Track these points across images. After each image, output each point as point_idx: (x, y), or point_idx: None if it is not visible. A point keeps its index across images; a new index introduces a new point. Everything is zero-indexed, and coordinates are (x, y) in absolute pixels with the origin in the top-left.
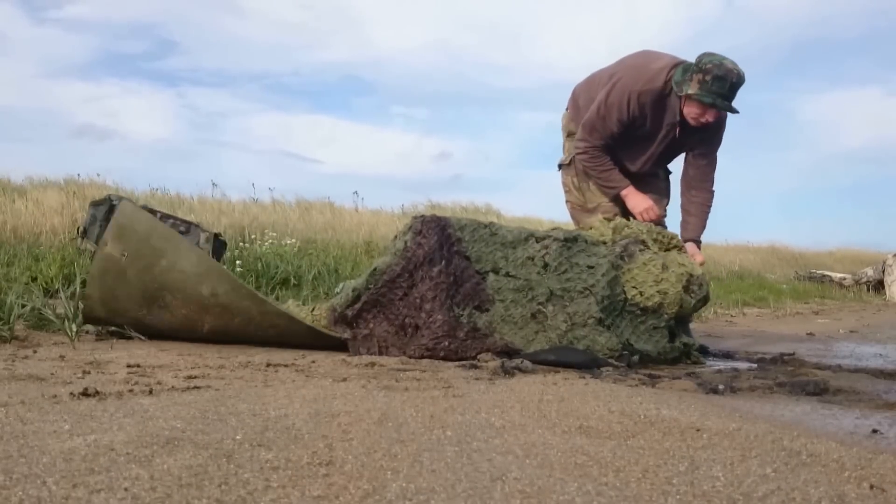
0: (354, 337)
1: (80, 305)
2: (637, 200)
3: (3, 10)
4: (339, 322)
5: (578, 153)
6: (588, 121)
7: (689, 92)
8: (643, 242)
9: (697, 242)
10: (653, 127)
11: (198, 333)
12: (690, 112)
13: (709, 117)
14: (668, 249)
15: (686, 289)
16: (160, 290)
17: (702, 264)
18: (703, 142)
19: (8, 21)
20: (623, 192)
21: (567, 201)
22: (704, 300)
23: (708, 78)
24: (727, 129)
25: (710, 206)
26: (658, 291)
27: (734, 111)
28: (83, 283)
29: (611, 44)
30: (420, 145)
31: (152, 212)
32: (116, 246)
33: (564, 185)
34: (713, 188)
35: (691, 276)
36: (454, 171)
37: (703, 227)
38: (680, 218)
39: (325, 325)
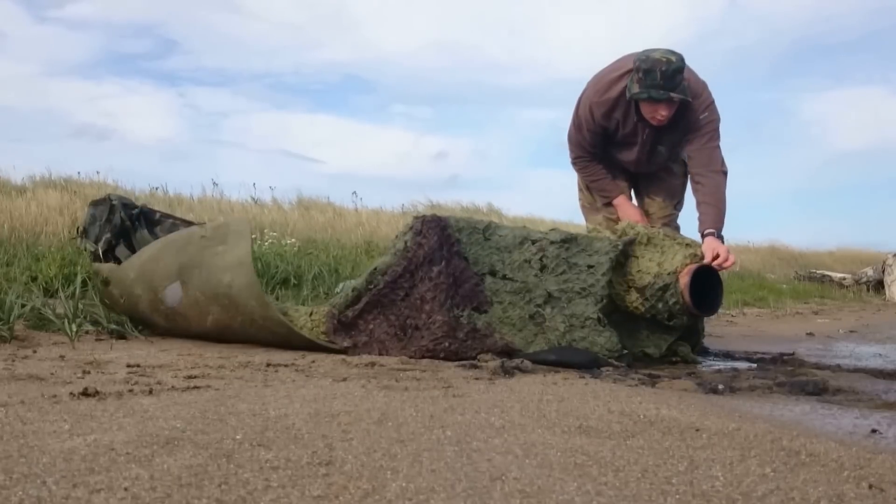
0: (355, 345)
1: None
2: (627, 213)
3: (4, 9)
4: (339, 329)
5: (571, 164)
6: (569, 134)
7: (633, 93)
8: (644, 244)
9: (718, 235)
10: (628, 131)
11: (201, 326)
12: (644, 113)
13: (661, 111)
14: (667, 250)
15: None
16: (194, 267)
17: (728, 264)
18: (688, 130)
19: (9, 20)
20: (615, 202)
21: (579, 199)
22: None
23: (641, 75)
24: (724, 128)
25: (723, 190)
26: (660, 290)
27: (670, 99)
28: (83, 282)
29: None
30: (420, 144)
31: (152, 211)
32: (206, 230)
33: (577, 184)
34: (723, 168)
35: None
36: (454, 171)
37: (721, 213)
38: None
39: (323, 330)
